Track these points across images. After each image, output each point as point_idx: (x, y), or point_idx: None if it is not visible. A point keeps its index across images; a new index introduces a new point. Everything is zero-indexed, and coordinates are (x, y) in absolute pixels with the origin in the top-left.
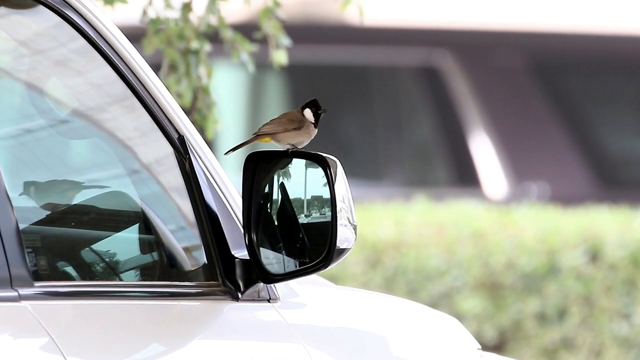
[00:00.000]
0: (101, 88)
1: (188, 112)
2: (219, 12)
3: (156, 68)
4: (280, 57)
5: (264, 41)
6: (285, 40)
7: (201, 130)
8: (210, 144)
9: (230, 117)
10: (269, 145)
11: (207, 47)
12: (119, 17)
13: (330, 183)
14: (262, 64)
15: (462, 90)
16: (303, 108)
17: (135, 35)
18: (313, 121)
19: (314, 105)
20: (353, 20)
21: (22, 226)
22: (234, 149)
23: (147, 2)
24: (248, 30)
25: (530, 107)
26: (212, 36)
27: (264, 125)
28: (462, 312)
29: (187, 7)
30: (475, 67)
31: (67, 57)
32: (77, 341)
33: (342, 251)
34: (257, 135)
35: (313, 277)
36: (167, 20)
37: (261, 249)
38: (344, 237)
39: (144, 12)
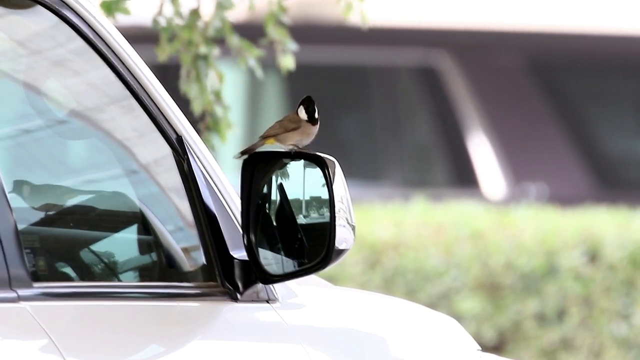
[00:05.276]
0: (99, 88)
1: (201, 117)
2: (226, 19)
3: (161, 69)
4: (287, 62)
5: (267, 45)
6: (292, 45)
7: (210, 135)
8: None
9: (229, 118)
10: (272, 146)
11: (216, 51)
12: (127, 17)
13: (329, 183)
14: (261, 65)
15: (460, 91)
16: (297, 108)
17: (143, 37)
18: (307, 119)
19: (304, 103)
20: (351, 21)
21: (20, 227)
22: (243, 153)
23: (157, 12)
24: (250, 30)
25: (528, 107)
26: (215, 39)
27: (268, 129)
28: (461, 313)
29: (195, 14)
30: (474, 68)
31: (65, 57)
32: (77, 342)
33: (341, 252)
34: (264, 138)
35: (312, 278)
36: (179, 28)
37: (260, 249)
38: (342, 237)
39: (154, 21)
